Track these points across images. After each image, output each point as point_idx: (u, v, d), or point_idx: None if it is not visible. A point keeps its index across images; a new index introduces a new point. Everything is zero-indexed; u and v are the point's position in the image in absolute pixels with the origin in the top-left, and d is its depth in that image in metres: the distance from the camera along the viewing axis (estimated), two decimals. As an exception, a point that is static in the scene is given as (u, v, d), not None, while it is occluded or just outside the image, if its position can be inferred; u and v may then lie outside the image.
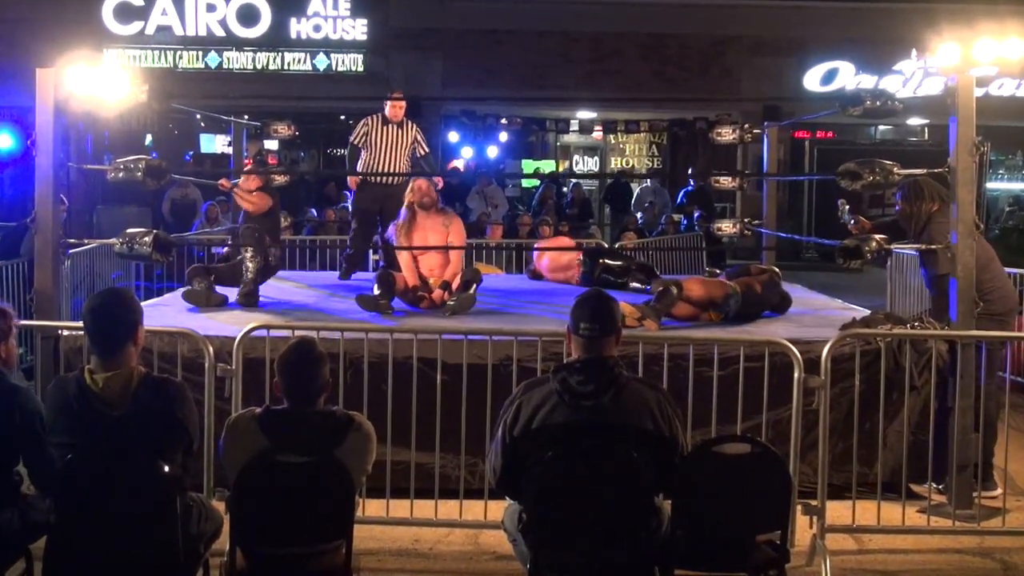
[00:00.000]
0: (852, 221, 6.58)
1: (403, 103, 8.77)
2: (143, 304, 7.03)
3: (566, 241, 9.92)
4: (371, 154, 8.63)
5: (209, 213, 12.76)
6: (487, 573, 4.73)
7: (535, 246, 9.75)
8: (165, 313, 6.74)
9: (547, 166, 21.14)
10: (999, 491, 5.46)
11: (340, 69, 16.56)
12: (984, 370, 5.36)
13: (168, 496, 3.40)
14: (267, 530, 3.48)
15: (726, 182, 9.69)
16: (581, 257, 8.47)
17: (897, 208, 6.04)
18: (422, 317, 6.65)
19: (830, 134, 19.63)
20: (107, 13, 16.15)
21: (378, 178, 8.56)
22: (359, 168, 8.69)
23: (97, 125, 16.15)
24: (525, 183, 19.57)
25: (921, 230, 5.82)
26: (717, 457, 3.59)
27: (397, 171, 8.53)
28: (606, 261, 8.34)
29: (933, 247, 5.64)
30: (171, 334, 5.34)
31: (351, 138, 8.82)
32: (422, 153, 8.90)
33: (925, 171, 5.83)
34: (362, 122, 8.75)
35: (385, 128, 8.64)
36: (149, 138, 18.46)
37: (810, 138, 19.36)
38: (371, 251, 9.56)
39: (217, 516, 3.89)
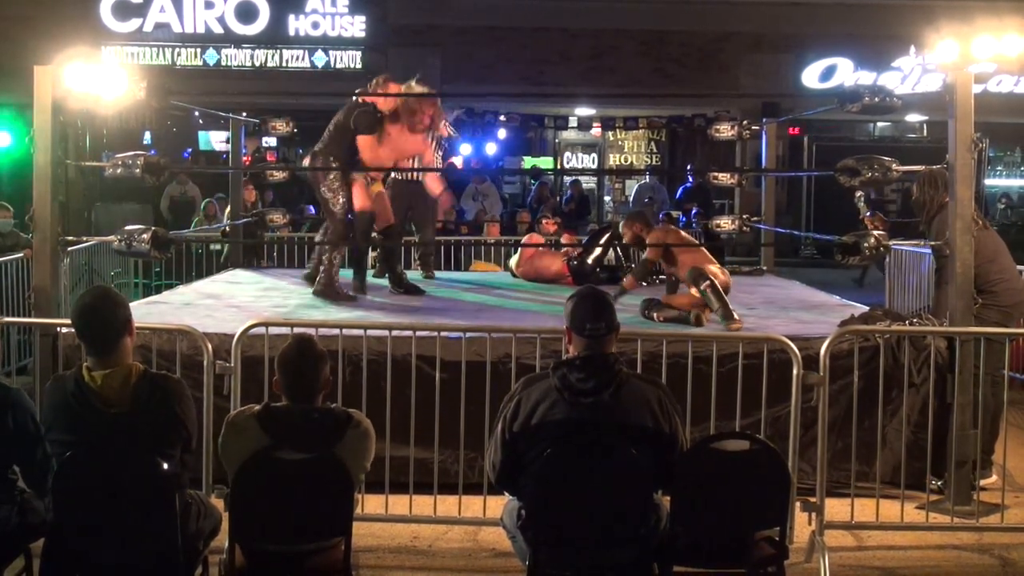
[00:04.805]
0: (869, 214, 6.57)
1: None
2: (142, 302, 7.02)
3: (536, 238, 9.73)
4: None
5: (207, 210, 12.78)
6: (486, 570, 4.72)
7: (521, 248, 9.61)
8: (164, 311, 6.74)
9: (545, 163, 21.10)
10: (994, 478, 5.49)
11: (338, 66, 16.52)
12: (983, 361, 5.35)
13: (167, 493, 3.40)
14: (266, 527, 3.47)
15: (724, 178, 9.71)
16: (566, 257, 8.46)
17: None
18: (422, 316, 6.64)
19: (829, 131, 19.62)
20: (105, 10, 16.11)
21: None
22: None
23: (95, 122, 16.14)
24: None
25: (931, 219, 5.89)
26: (716, 454, 3.58)
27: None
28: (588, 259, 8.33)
29: (937, 243, 5.67)
30: (170, 331, 5.35)
31: None
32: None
33: (926, 168, 5.86)
34: None
35: None
36: (148, 135, 18.44)
37: (808, 135, 19.35)
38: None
39: (216, 513, 3.88)
